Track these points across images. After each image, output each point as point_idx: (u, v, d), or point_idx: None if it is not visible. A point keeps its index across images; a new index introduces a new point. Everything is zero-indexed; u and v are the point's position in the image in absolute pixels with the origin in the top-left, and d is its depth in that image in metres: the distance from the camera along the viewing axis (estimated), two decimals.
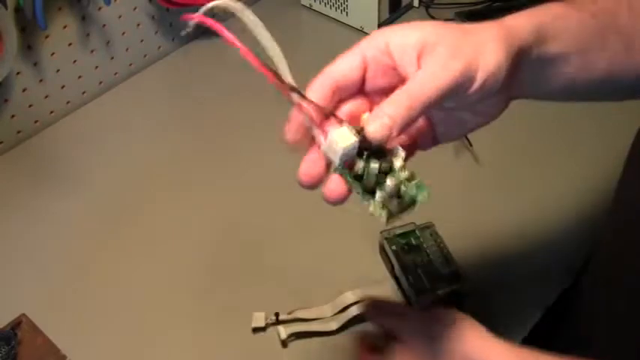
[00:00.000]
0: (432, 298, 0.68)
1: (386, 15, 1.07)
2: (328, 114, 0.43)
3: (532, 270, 0.73)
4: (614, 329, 0.61)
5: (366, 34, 1.06)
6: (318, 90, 0.44)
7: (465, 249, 0.72)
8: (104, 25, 0.95)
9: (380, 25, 1.06)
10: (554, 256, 0.75)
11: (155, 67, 1.03)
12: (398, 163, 0.43)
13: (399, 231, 0.72)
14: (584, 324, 0.68)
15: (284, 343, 0.68)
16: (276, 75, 0.42)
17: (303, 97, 0.42)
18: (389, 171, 0.43)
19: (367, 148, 0.42)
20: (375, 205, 0.42)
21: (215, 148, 0.91)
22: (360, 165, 0.42)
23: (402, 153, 0.43)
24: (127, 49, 1.00)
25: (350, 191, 0.43)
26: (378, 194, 0.42)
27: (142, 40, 1.01)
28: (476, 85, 0.42)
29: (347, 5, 1.06)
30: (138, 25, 0.99)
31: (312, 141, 0.43)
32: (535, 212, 0.79)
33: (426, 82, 0.41)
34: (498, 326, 0.68)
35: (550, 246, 0.76)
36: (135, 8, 0.98)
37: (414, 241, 0.72)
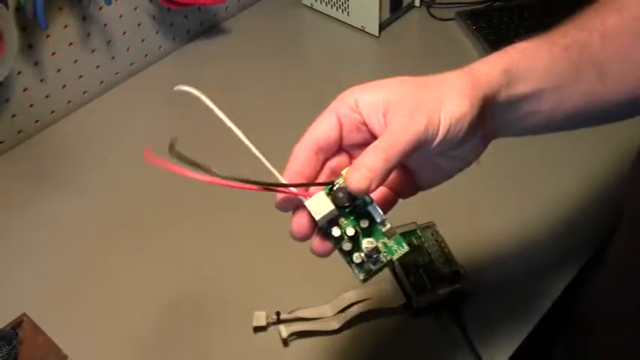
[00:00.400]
0: (433, 298, 0.68)
1: (387, 15, 1.07)
2: (304, 187, 0.45)
3: (532, 270, 0.73)
4: (614, 329, 0.61)
5: (368, 33, 1.06)
6: (302, 154, 0.46)
7: (465, 249, 0.72)
8: (105, 25, 0.95)
9: (381, 25, 1.06)
10: (555, 256, 0.75)
11: (156, 67, 1.03)
12: (377, 219, 0.45)
13: (400, 231, 0.72)
14: (584, 324, 0.68)
15: (285, 343, 0.68)
16: (253, 183, 0.46)
17: (280, 185, 0.46)
18: (368, 230, 0.45)
19: (348, 204, 0.45)
20: (352, 267, 0.45)
21: (215, 147, 0.91)
22: (338, 229, 0.45)
23: (380, 212, 0.45)
24: (128, 49, 1.00)
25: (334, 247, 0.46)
26: (355, 255, 0.45)
27: (142, 40, 1.01)
28: (439, 136, 0.44)
29: (348, 5, 1.06)
30: (139, 24, 0.99)
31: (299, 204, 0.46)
32: (536, 212, 0.79)
33: (397, 135, 0.43)
34: (498, 326, 0.69)
35: (550, 246, 0.76)
36: (136, 8, 0.98)
37: (415, 241, 0.72)
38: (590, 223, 0.77)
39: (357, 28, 1.07)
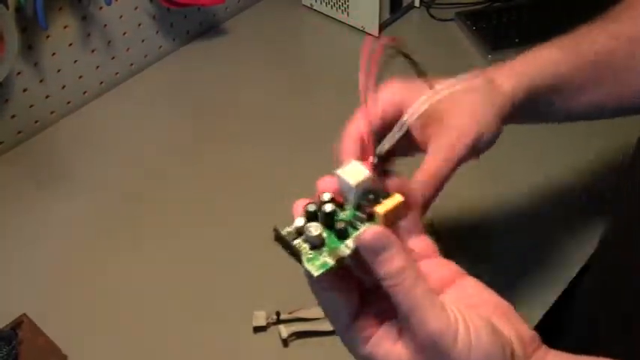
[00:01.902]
0: None
1: (387, 15, 1.07)
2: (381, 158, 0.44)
3: (531, 271, 0.73)
4: (614, 330, 0.61)
5: (367, 34, 1.06)
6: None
7: (464, 249, 0.72)
8: (105, 25, 0.95)
9: (381, 25, 1.06)
10: (554, 257, 0.74)
11: (156, 67, 1.03)
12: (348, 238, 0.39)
13: None
14: (584, 325, 0.68)
15: (285, 343, 0.68)
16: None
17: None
18: (338, 232, 0.40)
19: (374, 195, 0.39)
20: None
21: (215, 147, 0.91)
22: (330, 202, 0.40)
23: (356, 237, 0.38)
24: (128, 49, 1.00)
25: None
26: (298, 220, 0.40)
27: (142, 40, 1.01)
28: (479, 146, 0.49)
29: (348, 5, 1.06)
30: (139, 25, 0.99)
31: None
32: (536, 212, 0.79)
33: (450, 149, 0.48)
34: None
35: (550, 246, 0.75)
36: (136, 8, 0.98)
37: None
38: (591, 223, 0.77)
39: (357, 29, 1.07)
